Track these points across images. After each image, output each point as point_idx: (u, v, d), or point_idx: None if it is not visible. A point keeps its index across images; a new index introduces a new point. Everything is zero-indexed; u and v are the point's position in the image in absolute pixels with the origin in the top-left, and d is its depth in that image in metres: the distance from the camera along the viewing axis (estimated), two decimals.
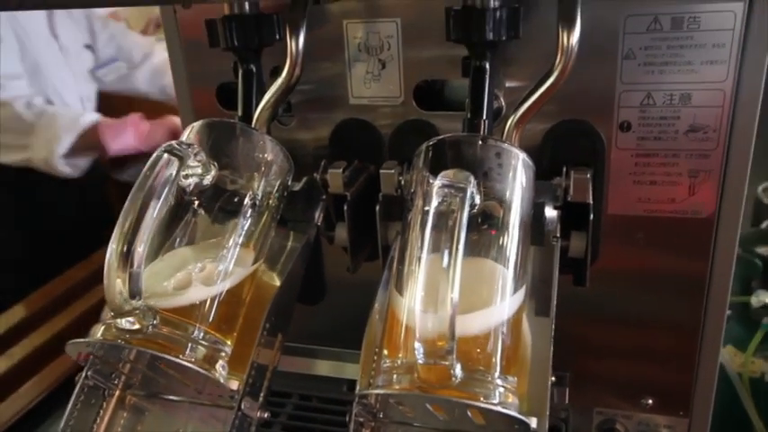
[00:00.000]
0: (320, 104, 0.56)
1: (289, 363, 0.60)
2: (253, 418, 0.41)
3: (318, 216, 0.52)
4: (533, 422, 0.35)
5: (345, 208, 0.51)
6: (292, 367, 0.64)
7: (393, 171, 0.49)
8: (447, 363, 0.33)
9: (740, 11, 0.44)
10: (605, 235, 0.52)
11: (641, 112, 0.48)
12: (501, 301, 0.38)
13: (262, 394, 0.43)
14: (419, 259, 0.34)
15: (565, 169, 0.47)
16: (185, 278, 0.41)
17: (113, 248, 0.35)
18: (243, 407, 0.40)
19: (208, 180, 0.42)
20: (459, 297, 0.32)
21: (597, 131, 0.50)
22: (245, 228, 0.44)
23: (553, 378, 0.57)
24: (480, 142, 0.40)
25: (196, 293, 0.41)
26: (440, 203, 0.34)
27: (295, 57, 0.45)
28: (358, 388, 0.39)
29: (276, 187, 0.47)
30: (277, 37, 0.48)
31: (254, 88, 0.48)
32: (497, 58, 0.44)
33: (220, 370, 0.39)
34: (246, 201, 0.45)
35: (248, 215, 0.45)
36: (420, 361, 0.33)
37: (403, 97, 0.53)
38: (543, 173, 0.48)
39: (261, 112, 0.47)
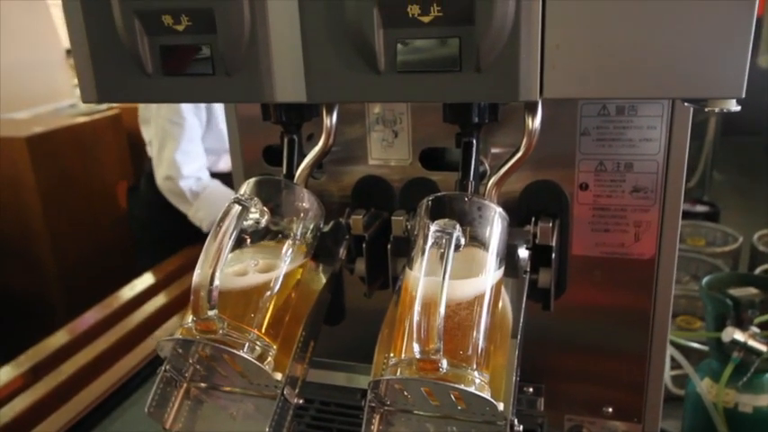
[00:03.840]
0: (345, 163, 0.69)
1: (312, 374, 0.72)
2: (291, 403, 0.54)
3: (342, 252, 0.65)
4: (500, 406, 0.48)
5: (364, 246, 0.64)
6: (315, 378, 0.76)
7: (402, 218, 0.61)
8: (436, 358, 0.45)
9: (667, 102, 0.58)
10: (571, 271, 0.65)
11: (596, 176, 0.62)
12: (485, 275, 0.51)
13: (298, 386, 0.56)
14: (418, 284, 0.47)
15: (534, 219, 0.60)
16: (243, 268, 0.55)
17: (199, 272, 0.48)
18: (285, 393, 0.53)
19: (262, 223, 0.55)
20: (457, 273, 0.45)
21: (562, 190, 0.63)
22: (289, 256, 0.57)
23: (531, 388, 0.69)
24: (466, 199, 0.53)
25: (253, 279, 0.54)
26: (433, 243, 0.47)
27: (329, 130, 0.59)
28: (372, 378, 0.51)
29: (311, 228, 0.60)
30: (315, 114, 0.62)
31: (295, 152, 0.62)
32: (483, 134, 0.58)
33: (269, 364, 0.52)
34: (289, 240, 0.58)
35: (289, 250, 0.58)
36: (417, 356, 0.46)
37: (411, 159, 0.67)
38: (521, 221, 0.62)
39: (301, 172, 0.60)
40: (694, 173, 2.38)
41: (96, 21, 0.47)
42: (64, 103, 3.00)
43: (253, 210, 0.53)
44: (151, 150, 1.83)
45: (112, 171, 2.36)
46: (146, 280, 1.63)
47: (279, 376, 0.53)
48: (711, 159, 2.45)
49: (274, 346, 0.54)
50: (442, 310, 0.45)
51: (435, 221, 0.49)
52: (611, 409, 0.68)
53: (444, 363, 0.45)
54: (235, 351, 0.50)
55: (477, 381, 0.48)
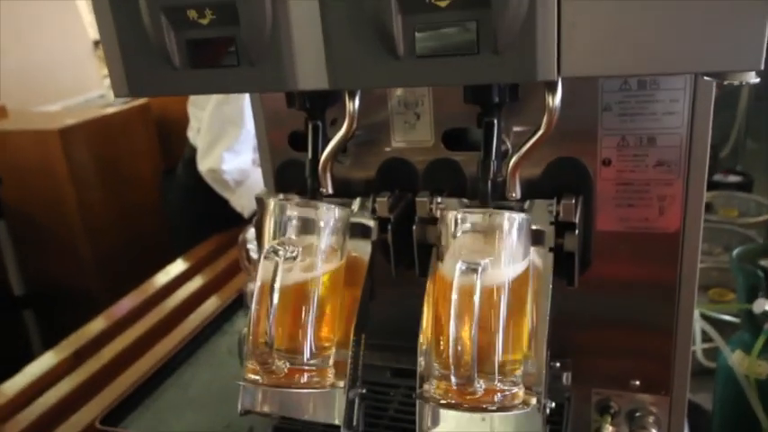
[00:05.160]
0: (369, 146, 0.70)
1: None
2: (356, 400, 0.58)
3: (373, 234, 0.66)
4: (533, 400, 0.50)
5: (389, 228, 0.65)
6: None
7: (426, 199, 0.62)
8: (473, 389, 0.48)
9: (690, 75, 0.57)
10: (595, 247, 0.66)
11: (619, 151, 0.62)
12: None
13: (359, 383, 0.59)
14: (449, 321, 0.48)
15: (556, 197, 0.60)
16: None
17: (252, 329, 0.52)
18: (348, 396, 0.56)
19: (296, 255, 0.56)
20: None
21: (585, 166, 0.63)
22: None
23: (558, 363, 0.70)
24: (489, 216, 0.53)
25: (298, 275, 0.56)
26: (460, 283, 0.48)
27: (352, 115, 0.59)
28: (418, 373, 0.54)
29: (342, 229, 0.61)
30: (338, 99, 0.62)
31: (320, 138, 0.63)
32: (504, 113, 0.58)
33: (330, 379, 0.57)
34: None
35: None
36: (454, 386, 0.49)
37: (433, 141, 0.68)
38: (545, 195, 0.62)
39: (326, 157, 0.61)
40: (727, 142, 2.33)
41: (125, 18, 0.49)
42: (93, 93, 3.06)
43: (287, 254, 0.55)
44: (193, 135, 1.87)
45: (143, 160, 2.41)
46: (179, 266, 1.67)
47: (341, 383, 0.56)
48: (744, 128, 2.39)
49: (333, 350, 0.57)
50: (475, 350, 0.47)
51: (461, 258, 0.50)
52: (638, 383, 0.69)
53: (479, 386, 0.49)
54: (298, 391, 0.55)
55: (511, 392, 0.51)
